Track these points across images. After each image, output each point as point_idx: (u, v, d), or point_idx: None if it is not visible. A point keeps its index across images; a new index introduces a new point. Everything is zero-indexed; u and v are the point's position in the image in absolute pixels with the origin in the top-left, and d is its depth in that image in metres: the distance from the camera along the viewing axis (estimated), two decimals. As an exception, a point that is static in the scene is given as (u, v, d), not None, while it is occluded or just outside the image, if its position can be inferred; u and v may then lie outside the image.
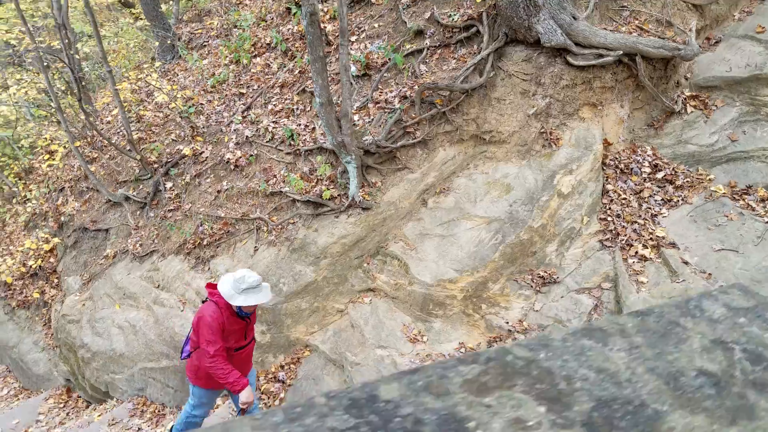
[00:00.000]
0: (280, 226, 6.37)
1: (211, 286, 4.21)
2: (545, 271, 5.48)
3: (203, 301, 4.23)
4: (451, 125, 6.17)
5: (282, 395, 5.82)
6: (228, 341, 4.09)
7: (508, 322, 5.36)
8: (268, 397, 5.88)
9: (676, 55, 5.54)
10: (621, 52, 5.52)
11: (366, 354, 5.56)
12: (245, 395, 4.02)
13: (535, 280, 5.48)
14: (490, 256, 5.54)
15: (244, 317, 4.21)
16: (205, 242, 6.80)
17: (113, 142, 8.32)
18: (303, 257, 6.01)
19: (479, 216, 5.81)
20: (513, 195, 5.78)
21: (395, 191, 6.08)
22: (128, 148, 8.14)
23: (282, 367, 6.06)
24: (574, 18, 5.70)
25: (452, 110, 6.13)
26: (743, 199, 5.12)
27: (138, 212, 8.06)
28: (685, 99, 5.95)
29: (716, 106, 5.82)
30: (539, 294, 5.43)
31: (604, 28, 5.82)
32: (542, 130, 5.89)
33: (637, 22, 6.02)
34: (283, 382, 5.92)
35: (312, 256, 5.96)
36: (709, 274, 4.69)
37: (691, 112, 5.89)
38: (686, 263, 4.86)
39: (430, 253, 5.80)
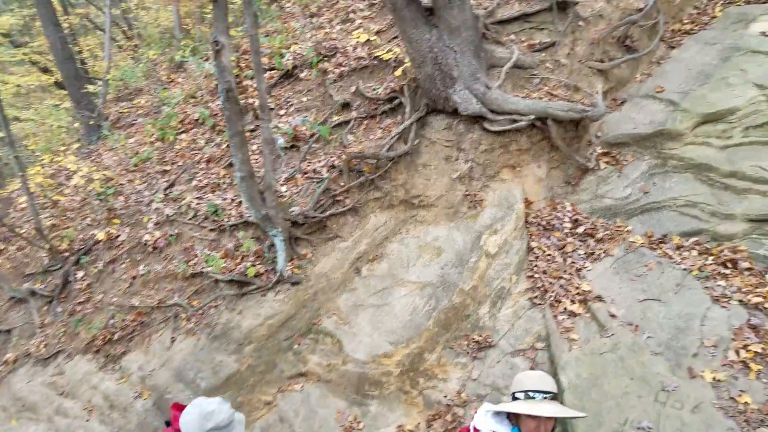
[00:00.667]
0: (200, 312, 6.01)
1: (177, 408, 3.35)
2: (480, 335, 5.42)
3: (166, 423, 3.40)
4: (380, 191, 6.19)
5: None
6: None
7: (446, 396, 5.19)
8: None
9: (584, 116, 5.86)
10: (533, 117, 5.77)
11: (297, 451, 5.21)
12: None
13: (470, 346, 5.39)
14: (425, 323, 5.43)
15: None
16: (116, 337, 6.26)
17: (17, 231, 7.83)
18: (225, 345, 5.66)
19: (413, 281, 5.74)
20: (444, 258, 5.78)
21: (327, 262, 5.95)
22: (38, 236, 7.68)
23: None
24: (487, 87, 5.95)
25: (380, 177, 6.17)
26: (660, 248, 5.32)
27: (45, 308, 7.40)
28: (598, 156, 6.26)
29: (627, 160, 6.14)
30: (476, 360, 5.33)
31: (516, 95, 6.09)
32: (467, 193, 6.00)
33: (546, 88, 6.35)
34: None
35: (235, 343, 5.63)
36: (636, 326, 4.76)
37: (605, 167, 6.19)
38: (613, 316, 4.92)
39: (365, 326, 5.63)
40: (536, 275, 5.59)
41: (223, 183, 6.95)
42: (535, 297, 5.46)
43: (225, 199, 6.70)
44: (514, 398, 2.64)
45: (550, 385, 2.60)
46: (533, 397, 2.56)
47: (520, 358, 5.17)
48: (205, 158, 7.48)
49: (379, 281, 5.85)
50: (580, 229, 5.76)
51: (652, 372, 4.40)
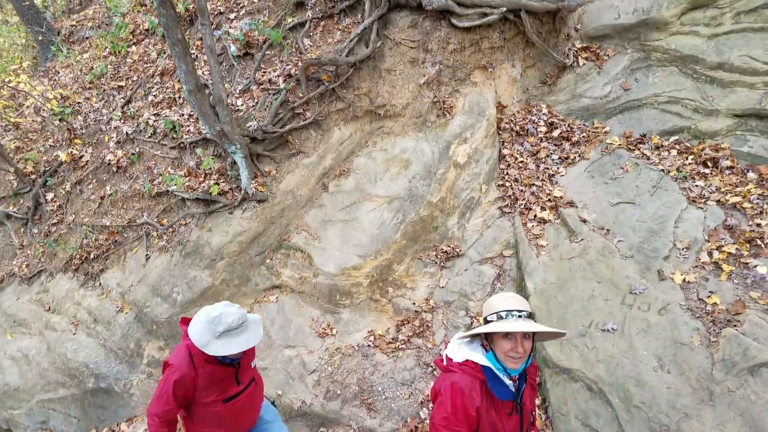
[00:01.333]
0: (170, 230, 5.91)
1: (186, 322, 3.17)
2: (448, 246, 5.30)
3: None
4: (342, 102, 5.82)
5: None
6: (206, 395, 3.11)
7: (414, 303, 5.17)
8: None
9: (561, 6, 5.36)
10: (505, 9, 5.26)
11: (274, 356, 5.25)
12: None
13: (439, 256, 5.30)
14: (393, 236, 5.31)
15: (231, 363, 3.17)
16: (92, 256, 6.25)
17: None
18: (197, 261, 5.59)
19: (380, 195, 5.55)
20: (412, 170, 5.54)
21: (292, 179, 5.72)
22: (2, 160, 7.42)
23: (187, 382, 5.68)
24: (455, -25, 5.44)
25: (342, 86, 5.76)
26: (638, 149, 5.07)
27: (21, 230, 7.38)
28: (577, 51, 5.82)
29: (608, 55, 5.72)
30: (444, 269, 5.26)
31: (487, -15, 5.61)
32: (435, 99, 5.63)
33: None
34: (189, 399, 5.55)
35: (207, 259, 5.55)
36: (608, 230, 4.62)
37: (584, 64, 5.77)
38: (584, 221, 4.76)
39: (334, 241, 5.51)
40: (507, 184, 5.38)
41: (179, 97, 6.54)
42: (505, 206, 5.28)
43: (182, 114, 6.34)
44: (486, 322, 2.42)
45: (523, 304, 2.39)
46: (505, 317, 2.33)
47: (488, 265, 5.09)
48: (159, 71, 7.01)
49: (346, 196, 5.66)
50: (556, 133, 5.47)
51: (621, 275, 4.30)
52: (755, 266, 4.02)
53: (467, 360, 2.37)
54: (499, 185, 5.44)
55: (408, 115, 5.69)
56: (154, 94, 6.88)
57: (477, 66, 5.67)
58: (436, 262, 5.33)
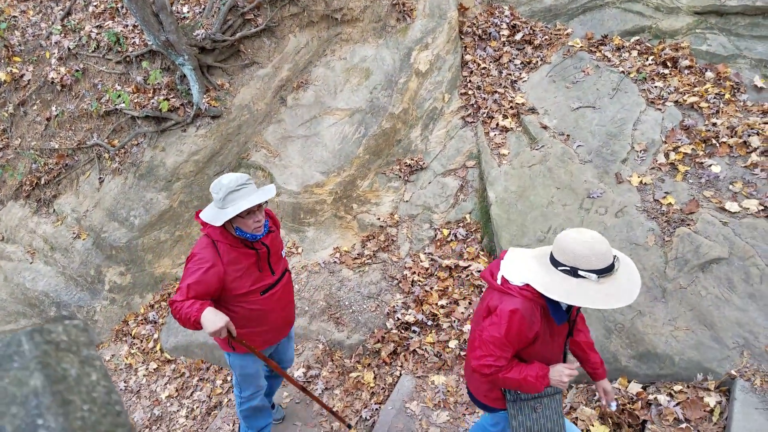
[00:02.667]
0: (122, 150, 5.64)
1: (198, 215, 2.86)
2: (412, 159, 5.21)
3: None
4: (296, 6, 5.42)
5: (156, 336, 5.50)
6: (239, 287, 2.78)
7: (379, 218, 5.14)
8: (141, 341, 5.55)
9: None
10: None
11: (238, 274, 5.25)
12: (209, 320, 2.48)
13: (402, 170, 5.21)
14: (356, 151, 5.17)
15: (255, 243, 2.78)
16: (43, 181, 5.96)
17: None
18: (153, 183, 5.39)
19: (341, 109, 5.34)
20: (373, 80, 5.32)
21: (247, 92, 5.44)
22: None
23: (151, 306, 5.61)
24: None
25: (294, -11, 5.40)
26: (600, 51, 4.92)
27: (-34, 157, 7.02)
28: (540, -53, 5.53)
29: (572, -48, 5.45)
30: (408, 183, 5.19)
31: None
32: (394, 2, 5.28)
33: None
34: (155, 323, 5.55)
35: (163, 180, 5.36)
36: (568, 135, 4.57)
37: (548, -38, 5.51)
38: (545, 127, 4.70)
39: (295, 158, 5.35)
40: (470, 92, 5.22)
41: (122, 7, 6.05)
42: (468, 115, 5.16)
43: (126, 26, 5.88)
44: (575, 272, 2.02)
45: (609, 256, 2.03)
46: (601, 275, 1.99)
47: (451, 177, 5.04)
48: (98, -23, 6.44)
49: (306, 110, 5.44)
50: (518, 36, 5.27)
51: (580, 180, 4.31)
52: (710, 166, 4.06)
53: (527, 285, 2.15)
54: (461, 93, 5.28)
55: (367, 20, 5.39)
56: (94, 4, 6.33)
57: (437, -35, 5.33)
58: (400, 176, 5.26)
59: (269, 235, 2.89)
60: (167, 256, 5.53)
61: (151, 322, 5.52)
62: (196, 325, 2.50)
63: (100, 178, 5.77)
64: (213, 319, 2.47)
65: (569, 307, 2.29)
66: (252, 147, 5.48)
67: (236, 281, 2.75)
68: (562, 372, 2.28)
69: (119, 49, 5.84)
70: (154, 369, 5.36)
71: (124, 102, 5.46)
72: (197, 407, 4.90)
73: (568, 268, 2.06)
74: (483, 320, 2.30)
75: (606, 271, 2.01)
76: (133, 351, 5.52)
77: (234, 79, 5.42)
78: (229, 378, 5.04)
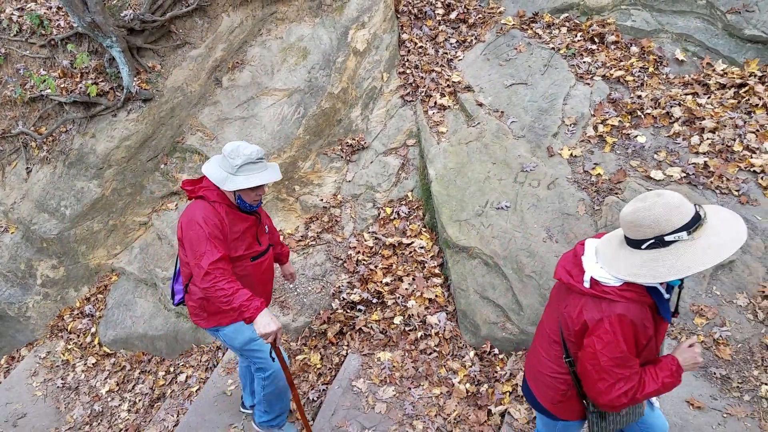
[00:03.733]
0: (50, 138, 5.33)
1: (190, 183, 2.79)
2: (353, 138, 5.15)
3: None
4: (228, -15, 5.29)
5: (93, 330, 5.27)
6: (236, 249, 2.74)
7: (322, 200, 5.07)
8: (77, 335, 5.30)
9: None
10: None
11: (178, 264, 5.08)
12: (263, 322, 2.50)
13: (344, 150, 5.15)
14: (295, 132, 5.06)
15: (251, 212, 2.82)
16: (-36, 173, 5.63)
17: None
18: (83, 171, 5.11)
19: (279, 89, 5.21)
20: (310, 60, 5.20)
21: (179, 73, 5.22)
22: None
23: (88, 299, 5.37)
24: None
25: (225, -33, 5.20)
26: (531, 28, 4.99)
27: None
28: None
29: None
30: (350, 163, 5.13)
31: None
32: (329, -20, 5.25)
33: None
34: (92, 316, 5.30)
35: (94, 168, 5.09)
36: (502, 112, 4.63)
37: (480, -61, 5.52)
38: (481, 105, 4.73)
39: (233, 140, 5.21)
40: (408, 71, 5.20)
41: (44, -13, 5.70)
42: (407, 94, 5.14)
43: (50, 7, 5.54)
44: (664, 241, 1.73)
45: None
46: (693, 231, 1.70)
47: (392, 156, 5.02)
48: (16, -44, 6.03)
49: (242, 91, 5.28)
50: (453, 15, 5.27)
51: (514, 155, 4.37)
52: (635, 136, 4.19)
53: (627, 283, 1.81)
54: (400, 73, 5.25)
55: (301, -1, 5.27)
56: (12, -16, 5.93)
57: (369, -58, 5.25)
58: (342, 156, 5.19)
59: (261, 211, 3.00)
60: (102, 246, 5.29)
61: (87, 316, 5.29)
62: (242, 317, 2.51)
63: (27, 168, 5.45)
64: (268, 322, 2.51)
65: (670, 296, 1.90)
66: (187, 130, 5.29)
67: (234, 242, 2.73)
68: (695, 354, 1.96)
69: (43, 32, 5.50)
70: (93, 364, 5.15)
71: (49, 87, 5.15)
72: (140, 400, 4.74)
73: (653, 240, 1.74)
74: (584, 340, 1.91)
75: (694, 223, 1.70)
76: (69, 347, 5.28)
77: (166, 61, 5.20)
78: (171, 369, 4.90)
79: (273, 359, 2.92)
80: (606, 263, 1.87)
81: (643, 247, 1.76)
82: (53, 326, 5.44)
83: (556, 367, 2.11)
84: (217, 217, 2.62)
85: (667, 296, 1.85)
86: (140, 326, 5.01)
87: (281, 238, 4.99)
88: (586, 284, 1.89)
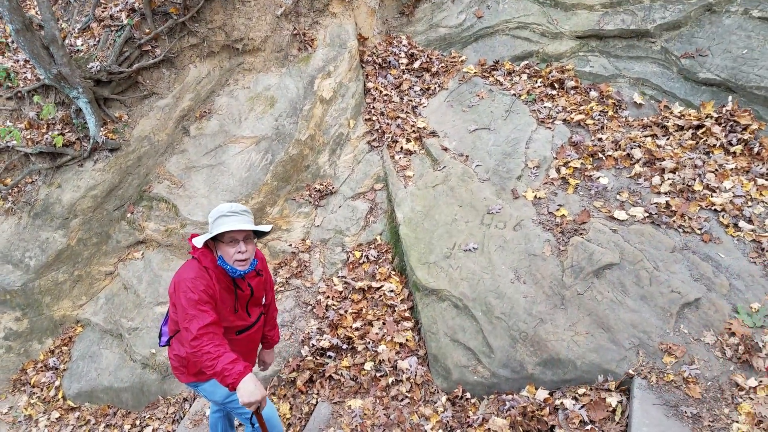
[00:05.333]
0: (15, 189, 5.14)
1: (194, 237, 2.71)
2: (321, 184, 5.08)
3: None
4: (196, 37, 5.21)
5: (57, 383, 4.97)
6: (224, 317, 2.62)
7: (291, 245, 4.95)
8: (41, 389, 5.00)
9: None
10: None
11: (144, 315, 4.83)
12: (247, 390, 2.31)
13: (312, 195, 5.07)
14: (263, 178, 4.97)
15: (237, 280, 2.66)
16: (-74, 226, 5.38)
17: None
18: (48, 221, 4.92)
19: (246, 137, 5.15)
20: (278, 108, 5.18)
21: (146, 123, 5.12)
22: None
23: (52, 352, 5.09)
24: None
25: (193, 19, 5.14)
26: (492, 76, 5.06)
27: None
28: (433, -20, 5.68)
29: (461, -17, 5.62)
30: (318, 208, 5.05)
31: None
32: (295, 32, 5.22)
33: None
34: (56, 369, 5.01)
35: (59, 218, 4.91)
36: (467, 156, 4.62)
37: (439, -7, 5.66)
38: (446, 149, 4.72)
39: (200, 188, 5.08)
40: (374, 117, 5.20)
41: (11, 41, 5.62)
42: (374, 140, 5.13)
43: (17, 60, 5.45)
44: None
45: None
46: None
47: (361, 200, 4.95)
48: (-16, 12, 5.97)
49: (210, 140, 5.20)
50: (416, 64, 5.33)
51: (479, 198, 4.33)
52: (598, 178, 4.19)
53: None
54: (366, 119, 5.25)
55: (268, 50, 5.27)
56: (-19, 39, 5.85)
57: (335, -4, 5.33)
58: (310, 202, 5.11)
59: (256, 278, 2.77)
60: (66, 297, 5.05)
61: (51, 369, 5.00)
62: (225, 380, 2.33)
63: (-10, 219, 5.24)
64: (253, 390, 2.32)
65: None
66: (154, 179, 5.17)
67: (221, 311, 2.59)
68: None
69: (10, 84, 5.39)
70: (57, 418, 4.84)
71: (15, 139, 5.01)
72: (103, 457, 4.44)
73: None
74: None
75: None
76: (32, 401, 4.97)
77: (133, 111, 5.12)
78: (137, 422, 4.62)
79: (253, 425, 2.71)
80: None
81: None
82: (16, 380, 5.14)
83: None
84: (207, 281, 2.50)
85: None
86: (105, 378, 4.74)
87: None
88: None
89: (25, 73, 5.37)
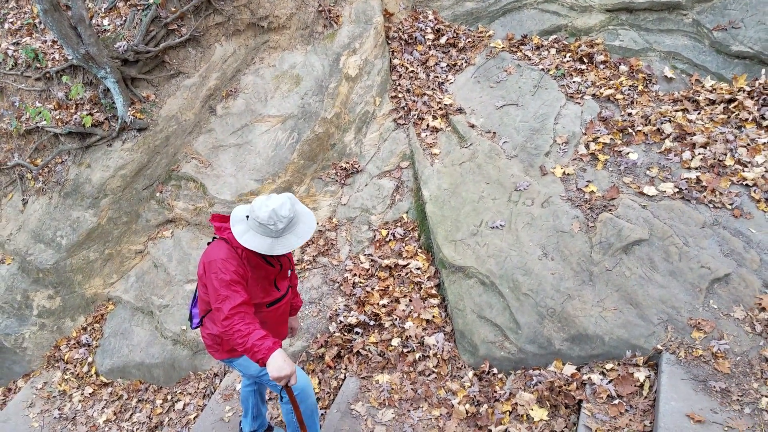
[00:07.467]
0: (46, 169, 5.38)
1: (219, 219, 2.78)
2: (347, 162, 5.21)
3: (209, 242, 2.79)
4: (221, 15, 5.34)
5: (90, 359, 5.24)
6: (254, 295, 2.72)
7: (318, 223, 5.12)
8: (74, 365, 5.28)
9: None
10: None
11: (174, 293, 5.04)
12: (276, 365, 2.43)
13: (338, 174, 5.21)
14: (290, 157, 5.12)
15: (272, 258, 2.79)
16: (-40, 207, 5.66)
17: None
18: (79, 201, 5.15)
19: (272, 115, 5.29)
20: (303, 86, 5.30)
21: (174, 103, 5.29)
22: None
23: (84, 329, 5.35)
24: None
25: (218, -2, 5.32)
26: (520, 51, 5.10)
27: None
28: (460, -47, 5.69)
29: (490, -43, 5.63)
30: (345, 187, 5.19)
31: None
32: (320, 9, 5.31)
33: None
34: (89, 345, 5.29)
35: (89, 198, 5.13)
36: (494, 133, 4.70)
37: (467, -33, 5.67)
38: (473, 126, 4.81)
39: (228, 167, 5.25)
40: (400, 95, 5.29)
41: (39, 22, 5.81)
42: (399, 117, 5.22)
43: (45, 41, 5.64)
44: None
45: None
46: None
47: (387, 178, 5.07)
48: (13, -7, 6.17)
49: (236, 119, 5.35)
50: (443, 40, 5.38)
51: (507, 174, 4.42)
52: (627, 153, 4.25)
53: None
54: (392, 97, 5.34)
55: (294, 27, 5.37)
56: (10, 21, 6.05)
57: (359, -28, 5.38)
58: (337, 180, 5.24)
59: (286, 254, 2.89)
60: (98, 275, 5.29)
61: (84, 346, 5.26)
62: (255, 356, 2.46)
63: (23, 199, 5.48)
64: (281, 366, 2.44)
65: None
66: (182, 158, 5.34)
67: (252, 288, 2.70)
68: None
69: (38, 65, 5.59)
70: (90, 393, 5.10)
71: (45, 119, 5.22)
72: (137, 429, 4.69)
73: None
74: None
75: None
76: (66, 377, 5.25)
77: (160, 90, 5.28)
78: (169, 397, 4.86)
79: (282, 398, 2.88)
80: None
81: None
82: (50, 357, 5.41)
83: None
84: (237, 261, 2.61)
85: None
86: (137, 355, 4.98)
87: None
88: None
89: (53, 53, 5.56)
